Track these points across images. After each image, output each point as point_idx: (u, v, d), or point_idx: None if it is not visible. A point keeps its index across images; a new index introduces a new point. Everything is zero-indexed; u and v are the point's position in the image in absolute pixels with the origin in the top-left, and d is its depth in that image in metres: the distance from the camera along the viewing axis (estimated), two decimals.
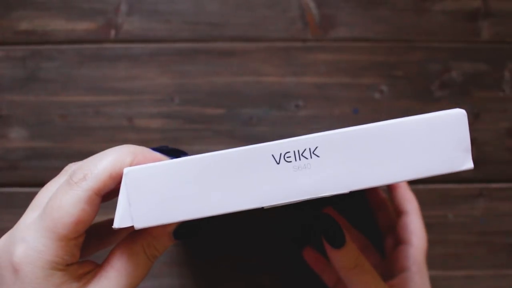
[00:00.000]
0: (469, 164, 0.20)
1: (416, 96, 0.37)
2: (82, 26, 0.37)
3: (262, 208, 0.20)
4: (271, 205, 0.20)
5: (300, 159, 0.20)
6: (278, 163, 0.20)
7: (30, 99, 0.37)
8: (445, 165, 0.20)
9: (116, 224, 0.20)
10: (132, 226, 0.20)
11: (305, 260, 0.34)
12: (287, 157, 0.20)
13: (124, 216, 0.20)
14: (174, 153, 0.23)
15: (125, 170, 0.20)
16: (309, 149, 0.20)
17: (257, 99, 0.37)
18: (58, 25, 0.37)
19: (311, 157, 0.20)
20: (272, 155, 0.20)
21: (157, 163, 0.20)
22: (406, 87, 0.38)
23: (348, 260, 0.26)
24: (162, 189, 0.20)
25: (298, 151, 0.20)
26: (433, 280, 0.37)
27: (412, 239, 0.32)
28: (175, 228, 0.23)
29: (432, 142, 0.20)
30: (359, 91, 0.37)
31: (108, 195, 0.23)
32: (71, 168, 0.23)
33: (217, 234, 0.37)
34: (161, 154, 0.22)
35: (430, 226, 0.36)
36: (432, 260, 0.37)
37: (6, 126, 0.37)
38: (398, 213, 0.34)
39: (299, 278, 0.36)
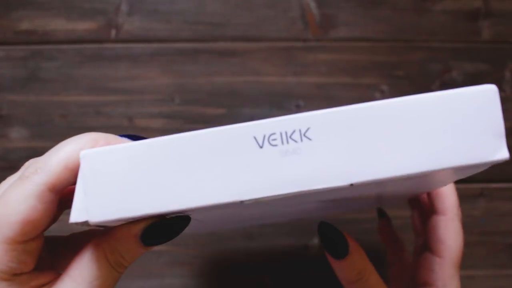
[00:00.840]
0: (503, 153, 0.16)
1: None
2: (83, 26, 0.37)
3: (241, 202, 0.16)
4: (252, 199, 0.16)
5: (288, 142, 0.16)
6: (261, 147, 0.16)
7: (30, 99, 0.37)
8: (472, 154, 0.16)
9: (73, 218, 0.17)
10: (103, 228, 0.17)
11: (305, 260, 0.34)
12: (272, 140, 0.16)
13: (81, 208, 0.17)
14: None
15: (82, 153, 0.17)
16: (300, 130, 0.16)
17: (257, 99, 0.37)
18: (58, 25, 0.37)
19: (301, 140, 0.16)
20: (254, 137, 0.16)
21: (117, 146, 0.17)
22: (407, 87, 0.38)
23: (350, 273, 0.23)
24: (122, 177, 0.16)
25: (286, 132, 0.16)
26: None
27: (439, 249, 0.26)
28: (143, 231, 0.18)
29: (455, 125, 0.16)
30: (360, 91, 0.37)
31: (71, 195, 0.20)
32: (29, 162, 0.20)
33: (217, 233, 0.37)
34: (130, 140, 0.19)
35: None
36: None
37: (6, 126, 0.37)
38: (430, 211, 0.28)
39: (300, 277, 0.36)
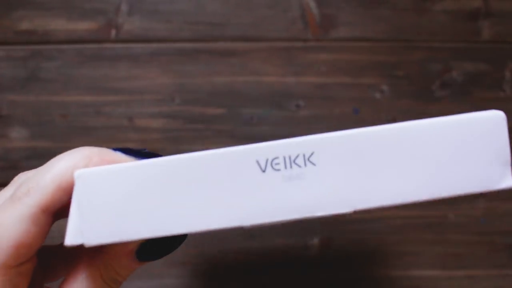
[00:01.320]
0: (508, 182, 0.16)
1: (417, 96, 0.38)
2: (83, 26, 0.37)
3: (242, 227, 0.16)
4: (253, 224, 0.16)
5: (291, 167, 0.16)
6: (264, 171, 0.16)
7: (30, 99, 0.37)
8: (477, 182, 0.16)
9: (68, 241, 0.16)
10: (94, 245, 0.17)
11: (305, 260, 0.34)
12: (276, 164, 0.16)
13: (76, 231, 0.16)
14: (148, 156, 0.19)
15: (76, 173, 0.16)
16: (304, 155, 0.16)
17: (257, 99, 0.37)
18: (58, 25, 0.37)
19: (305, 165, 0.16)
20: (257, 161, 0.16)
21: (113, 166, 0.16)
22: (407, 87, 0.38)
23: None
24: (119, 199, 0.16)
25: (290, 157, 0.16)
26: (433, 280, 0.37)
27: None
28: (139, 247, 0.18)
29: (461, 152, 0.16)
30: (360, 91, 0.37)
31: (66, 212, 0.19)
32: (20, 179, 0.19)
33: (218, 233, 0.37)
34: (126, 155, 0.18)
35: (430, 226, 0.36)
36: (432, 260, 0.37)
37: (6, 126, 0.37)
38: None
39: (300, 277, 0.36)
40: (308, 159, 0.16)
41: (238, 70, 0.37)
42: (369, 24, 0.38)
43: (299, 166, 0.16)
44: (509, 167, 0.16)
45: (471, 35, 0.38)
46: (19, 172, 0.37)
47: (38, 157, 0.36)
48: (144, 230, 0.16)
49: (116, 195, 0.16)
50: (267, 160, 0.16)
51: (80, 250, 0.20)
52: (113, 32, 0.37)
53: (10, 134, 0.37)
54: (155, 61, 0.37)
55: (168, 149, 0.37)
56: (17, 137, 0.37)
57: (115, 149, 0.18)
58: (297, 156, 0.16)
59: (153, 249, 0.18)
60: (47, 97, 0.37)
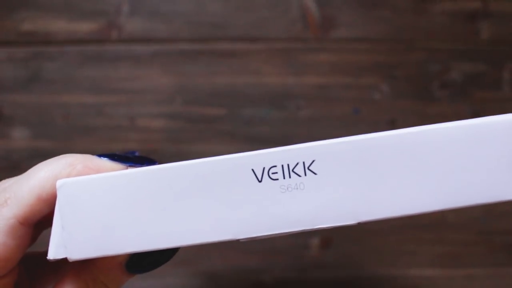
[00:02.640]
0: None
1: (416, 96, 0.38)
2: (84, 26, 0.37)
3: (237, 240, 0.15)
4: (248, 238, 0.15)
5: (290, 176, 0.15)
6: (260, 181, 0.15)
7: (32, 99, 0.37)
8: (490, 192, 0.16)
9: (51, 255, 0.15)
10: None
11: (305, 260, 0.34)
12: (273, 173, 0.15)
13: (59, 244, 0.15)
14: (138, 161, 0.18)
15: (58, 183, 0.15)
16: (303, 163, 0.15)
17: (258, 99, 0.37)
18: (60, 26, 0.37)
19: (305, 174, 0.15)
20: (252, 170, 0.15)
21: (97, 174, 0.15)
22: (406, 87, 0.38)
23: None
24: (104, 209, 0.15)
25: (288, 165, 0.15)
26: (432, 279, 0.37)
27: None
28: (128, 258, 0.17)
29: (472, 159, 0.15)
30: (360, 91, 0.38)
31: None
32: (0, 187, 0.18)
33: None
34: (112, 162, 0.17)
35: (429, 225, 0.37)
36: (432, 259, 0.37)
37: (8, 126, 0.37)
38: None
39: (300, 277, 0.37)
40: (308, 168, 0.15)
41: (238, 70, 0.37)
42: (369, 24, 0.38)
43: (299, 175, 0.15)
44: None
45: (470, 35, 0.38)
46: (20, 173, 0.37)
47: (39, 157, 0.37)
48: (131, 244, 0.15)
49: (101, 206, 0.15)
50: (263, 169, 0.15)
51: (66, 261, 0.20)
52: (114, 33, 0.37)
53: (11, 134, 0.37)
54: (156, 62, 0.37)
55: (169, 149, 0.37)
56: (19, 137, 0.37)
57: (101, 156, 0.17)
58: (296, 165, 0.15)
59: (144, 261, 0.17)
60: (48, 97, 0.37)
